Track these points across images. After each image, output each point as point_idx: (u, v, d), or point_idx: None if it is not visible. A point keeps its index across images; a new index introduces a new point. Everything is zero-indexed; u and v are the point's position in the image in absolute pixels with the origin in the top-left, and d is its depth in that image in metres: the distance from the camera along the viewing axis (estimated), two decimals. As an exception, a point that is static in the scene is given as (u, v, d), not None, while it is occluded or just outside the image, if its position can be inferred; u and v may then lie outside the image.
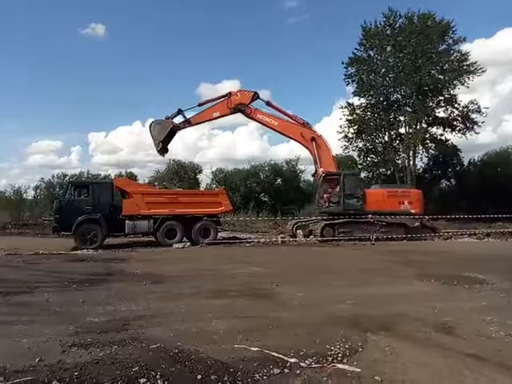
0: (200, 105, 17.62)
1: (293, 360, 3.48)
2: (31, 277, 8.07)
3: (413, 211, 16.75)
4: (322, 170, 17.13)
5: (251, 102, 17.35)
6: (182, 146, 59.97)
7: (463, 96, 28.71)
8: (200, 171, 38.38)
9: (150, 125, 17.18)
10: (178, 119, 17.22)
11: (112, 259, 10.90)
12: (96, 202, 13.93)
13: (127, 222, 14.20)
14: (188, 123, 17.31)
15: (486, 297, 6.07)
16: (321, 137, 17.46)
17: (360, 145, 30.18)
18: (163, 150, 17.32)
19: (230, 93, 17.49)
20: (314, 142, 17.17)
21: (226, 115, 17.79)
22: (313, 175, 18.89)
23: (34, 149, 71.21)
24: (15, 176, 67.53)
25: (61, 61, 67.92)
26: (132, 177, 35.97)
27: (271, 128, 17.81)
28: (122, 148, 66.63)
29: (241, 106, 17.27)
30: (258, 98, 17.55)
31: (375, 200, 16.59)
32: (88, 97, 70.96)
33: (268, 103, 17.68)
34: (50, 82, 69.21)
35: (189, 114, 17.49)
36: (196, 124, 17.91)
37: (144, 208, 14.44)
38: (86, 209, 13.75)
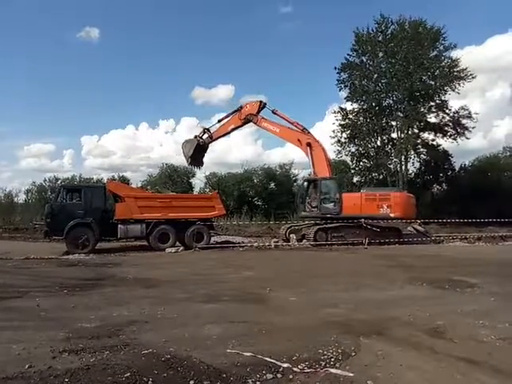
0: (219, 121, 19.39)
1: (286, 365, 3.48)
2: (22, 281, 7.98)
3: (392, 215, 16.25)
4: (313, 174, 17.44)
5: (259, 111, 18.47)
6: (175, 150, 59.97)
7: (454, 102, 29.16)
8: (193, 175, 38.29)
9: (182, 144, 19.52)
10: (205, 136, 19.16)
11: (104, 264, 10.81)
12: (88, 206, 13.82)
13: (120, 226, 14.10)
14: (210, 138, 19.18)
15: (477, 301, 6.12)
16: (317, 142, 17.69)
17: (353, 149, 30.44)
18: (194, 164, 19.97)
19: (241, 106, 18.86)
20: (309, 147, 17.52)
21: (239, 126, 19.23)
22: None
23: (26, 152, 70.68)
24: (6, 180, 66.72)
25: (54, 64, 67.65)
26: (125, 181, 35.78)
27: (273, 134, 18.73)
28: (114, 152, 66.64)
29: (250, 117, 18.43)
30: (265, 106, 18.62)
31: (352, 204, 16.65)
32: (81, 100, 70.69)
33: (273, 111, 18.53)
34: (43, 85, 68.77)
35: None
36: (217, 138, 19.53)
37: (137, 212, 14.36)
38: (78, 213, 13.64)
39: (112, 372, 3.35)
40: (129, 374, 3.32)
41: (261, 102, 18.62)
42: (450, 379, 3.27)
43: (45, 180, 36.08)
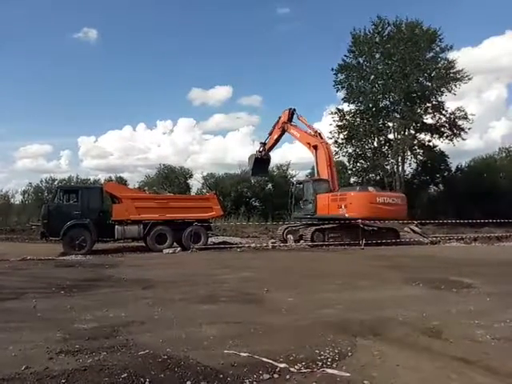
0: (270, 134, 20.67)
1: (282, 365, 3.49)
2: (18, 283, 7.96)
3: (347, 215, 16.00)
4: (317, 175, 18.32)
5: (291, 118, 19.49)
6: (172, 151, 59.95)
7: (450, 103, 29.34)
8: (190, 176, 38.29)
9: (248, 158, 21.60)
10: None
11: (101, 265, 10.78)
12: (85, 207, 13.78)
13: (117, 227, 14.08)
14: (264, 150, 20.60)
15: (473, 301, 6.15)
16: (323, 145, 18.20)
17: (350, 150, 30.53)
18: (257, 174, 22.14)
19: (280, 116, 20.08)
20: (315, 150, 18.25)
21: (280, 135, 20.34)
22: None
23: (23, 153, 70.55)
24: (3, 180, 66.65)
25: (51, 64, 67.44)
26: (122, 181, 35.68)
27: (296, 139, 19.92)
28: (111, 152, 66.46)
29: (283, 125, 19.53)
30: (294, 113, 19.57)
31: (323, 205, 17.01)
32: (78, 101, 70.49)
33: (298, 117, 19.58)
34: (40, 86, 68.54)
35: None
36: (269, 150, 20.94)
37: (134, 213, 14.34)
38: (75, 214, 13.60)
39: (109, 373, 3.35)
40: (126, 374, 3.32)
41: (290, 109, 19.53)
42: (446, 379, 3.28)
43: (41, 181, 35.92)
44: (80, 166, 66.48)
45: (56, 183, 33.17)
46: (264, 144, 20.69)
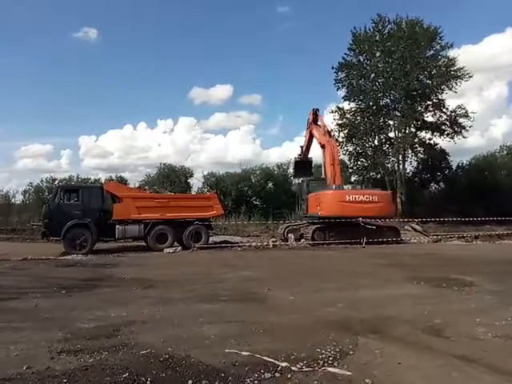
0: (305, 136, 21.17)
1: (284, 364, 3.49)
2: (19, 282, 7.97)
3: (320, 213, 16.28)
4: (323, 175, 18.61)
5: (316, 117, 19.73)
6: (173, 150, 59.95)
7: (451, 101, 29.23)
8: (191, 175, 38.28)
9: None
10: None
11: (102, 264, 10.80)
12: (86, 207, 13.79)
13: (117, 226, 14.09)
14: (303, 154, 21.29)
15: (475, 299, 6.15)
16: (329, 143, 18.32)
17: (350, 149, 30.42)
18: (299, 176, 21.85)
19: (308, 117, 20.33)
20: (323, 149, 18.59)
21: (310, 137, 20.54)
22: None
23: (23, 153, 70.55)
24: (3, 180, 66.62)
25: (51, 64, 67.46)
26: (122, 181, 35.69)
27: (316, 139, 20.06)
28: (112, 152, 66.39)
29: (311, 125, 19.85)
30: (317, 112, 19.86)
31: (310, 204, 17.59)
32: (78, 100, 70.44)
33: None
34: (40, 85, 68.53)
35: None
36: (306, 151, 21.31)
37: (134, 212, 14.35)
38: (76, 213, 13.61)
39: (110, 372, 3.36)
40: (127, 374, 3.32)
41: (313, 109, 19.85)
42: (448, 377, 3.29)
43: (42, 180, 35.92)
44: (81, 166, 66.64)
45: (57, 183, 33.16)
46: (302, 147, 21.24)
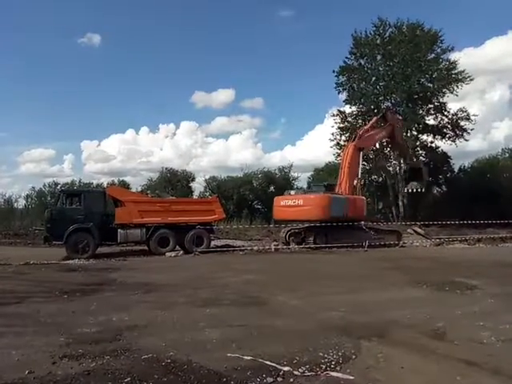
0: None
1: (286, 368, 3.48)
2: (21, 287, 7.96)
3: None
4: None
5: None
6: (175, 154, 60.03)
7: (452, 104, 29.22)
8: (193, 179, 38.31)
9: None
10: None
11: (104, 268, 10.78)
12: (88, 211, 13.79)
13: (120, 230, 14.08)
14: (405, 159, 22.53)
15: (478, 302, 6.12)
16: (347, 146, 18.86)
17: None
18: (411, 187, 21.67)
19: None
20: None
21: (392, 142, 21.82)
22: None
23: (26, 157, 70.65)
24: (6, 185, 66.57)
25: (55, 69, 67.82)
26: (125, 185, 35.70)
27: None
28: (114, 156, 66.41)
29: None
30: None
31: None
32: (81, 105, 70.73)
33: None
34: (43, 90, 68.90)
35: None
36: (404, 156, 22.66)
37: (137, 216, 14.34)
38: (78, 218, 13.60)
39: (112, 377, 3.35)
40: (129, 378, 3.31)
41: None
42: (451, 381, 3.26)
43: (44, 185, 35.97)
44: (83, 170, 66.68)
45: (59, 187, 33.18)
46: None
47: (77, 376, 3.37)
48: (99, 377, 3.36)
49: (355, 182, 17.94)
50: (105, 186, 32.20)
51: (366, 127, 19.81)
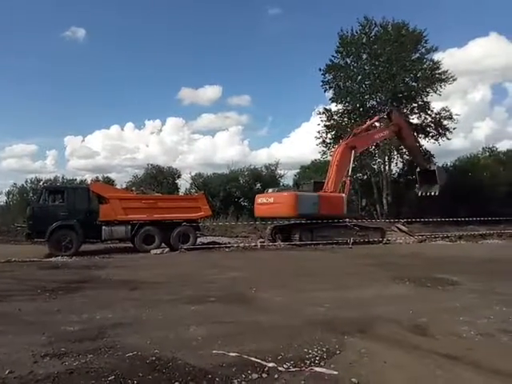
0: None
1: (271, 364, 3.50)
2: (3, 285, 7.79)
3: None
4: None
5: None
6: (161, 151, 59.53)
7: (436, 103, 29.69)
8: (179, 176, 38.09)
9: None
10: None
11: (88, 266, 10.65)
12: (71, 208, 13.60)
13: (104, 227, 13.92)
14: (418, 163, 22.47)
15: (458, 298, 6.26)
16: (339, 145, 19.13)
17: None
18: (420, 189, 21.89)
19: None
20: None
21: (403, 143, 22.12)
22: None
23: (8, 153, 69.21)
24: (-14, 181, 65.07)
25: (38, 63, 66.38)
26: (109, 182, 35.30)
27: None
28: (99, 152, 65.52)
29: None
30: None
31: None
32: (64, 100, 69.52)
33: None
34: (26, 85, 67.33)
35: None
36: (415, 159, 22.72)
37: (121, 213, 14.19)
38: (61, 214, 13.40)
39: (96, 375, 3.31)
40: (113, 377, 3.28)
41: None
42: (432, 375, 3.33)
43: (26, 181, 35.37)
44: (66, 166, 65.78)
45: (41, 183, 32.63)
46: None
47: (59, 375, 3.32)
48: (82, 376, 3.32)
49: (344, 179, 18.01)
50: (89, 182, 31.72)
51: (363, 126, 19.92)
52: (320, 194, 16.83)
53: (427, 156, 22.51)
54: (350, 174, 18.50)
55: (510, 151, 35.49)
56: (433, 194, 21.11)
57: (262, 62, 74.39)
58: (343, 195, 17.26)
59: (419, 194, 21.71)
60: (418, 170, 21.88)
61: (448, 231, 19.94)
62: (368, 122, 20.33)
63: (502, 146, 50.99)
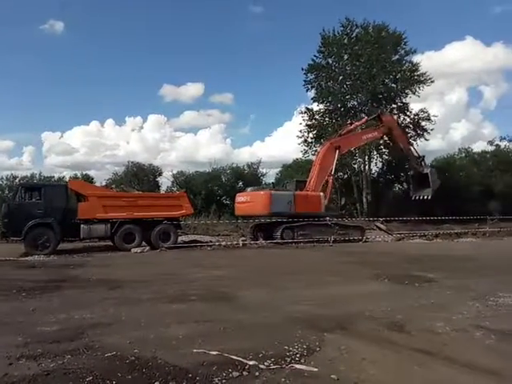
0: None
1: (252, 362, 3.51)
2: (-25, 286, 7.55)
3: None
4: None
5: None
6: (142, 148, 58.69)
7: (414, 105, 30.31)
8: (160, 174, 37.61)
9: None
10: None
11: (66, 265, 10.44)
12: (48, 206, 13.28)
13: (82, 226, 13.66)
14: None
15: (434, 295, 6.43)
16: (332, 146, 19.22)
17: (319, 149, 30.92)
18: (414, 194, 21.83)
19: None
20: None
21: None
22: None
23: (-19, 149, 66.50)
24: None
25: (14, 56, 64.20)
26: (88, 179, 34.56)
27: None
28: (77, 149, 63.92)
29: None
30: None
31: None
32: (42, 94, 67.61)
33: None
34: (1, 78, 65.08)
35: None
36: (409, 161, 22.27)
37: (100, 211, 13.95)
38: (38, 213, 13.09)
39: (73, 377, 3.26)
40: (91, 377, 3.23)
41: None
42: (409, 370, 3.42)
43: (2, 178, 34.25)
44: (44, 163, 63.77)
45: (17, 181, 31.74)
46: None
47: (35, 377, 3.25)
48: (59, 377, 3.25)
49: (327, 178, 18.25)
50: (67, 179, 30.99)
51: (350, 127, 20.19)
52: (295, 193, 17.07)
53: (421, 159, 21.73)
54: (332, 173, 18.70)
55: (484, 152, 36.55)
56: (425, 197, 21.16)
57: (244, 60, 74.24)
58: (321, 194, 17.46)
59: (413, 197, 21.78)
60: (412, 173, 22.00)
61: (425, 230, 20.40)
62: (356, 123, 20.52)
63: (477, 147, 52.35)
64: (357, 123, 20.66)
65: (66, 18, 68.86)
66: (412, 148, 22.39)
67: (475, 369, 3.43)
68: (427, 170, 21.42)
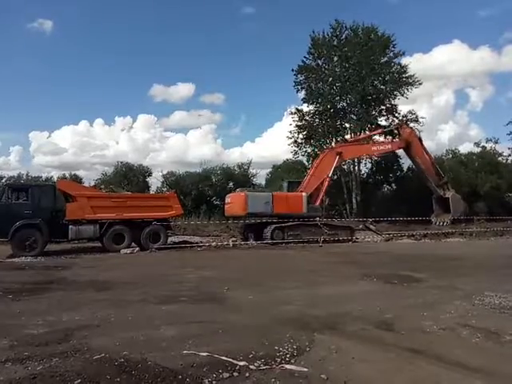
0: None
1: (242, 363, 3.51)
2: (-41, 288, 7.40)
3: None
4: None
5: None
6: (131, 148, 58.25)
7: (403, 106, 30.64)
8: (150, 174, 37.37)
9: None
10: None
11: (54, 266, 10.31)
12: (36, 206, 13.11)
13: (71, 226, 13.50)
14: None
15: (422, 294, 6.50)
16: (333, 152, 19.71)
17: (309, 150, 31.04)
18: (436, 217, 21.56)
19: None
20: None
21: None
22: None
23: (-34, 148, 65.20)
24: None
25: (1, 54, 63.12)
26: (77, 179, 34.16)
27: None
28: (66, 149, 63.19)
29: None
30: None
31: None
32: (30, 93, 66.62)
33: None
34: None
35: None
36: (429, 183, 22.11)
37: (89, 212, 13.81)
38: (25, 213, 12.90)
39: (61, 380, 3.21)
40: (79, 380, 3.19)
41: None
42: (398, 369, 3.45)
43: (-12, 178, 33.62)
44: (31, 163, 62.86)
45: (4, 181, 31.24)
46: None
47: (21, 380, 3.19)
48: (46, 380, 3.20)
49: (323, 181, 18.60)
50: (55, 179, 30.61)
51: (359, 137, 20.35)
52: (274, 194, 17.46)
53: (444, 182, 20.81)
54: (330, 175, 19.08)
55: (471, 153, 37.07)
56: (443, 224, 20.85)
57: (235, 60, 74.30)
58: (303, 194, 17.64)
59: (433, 223, 21.32)
60: (435, 195, 21.57)
61: (414, 230, 20.59)
62: (368, 133, 20.60)
63: (464, 148, 53.12)
64: (368, 133, 20.69)
65: (56, 16, 68.03)
66: (433, 168, 21.48)
67: (462, 366, 3.48)
68: (448, 195, 20.76)
